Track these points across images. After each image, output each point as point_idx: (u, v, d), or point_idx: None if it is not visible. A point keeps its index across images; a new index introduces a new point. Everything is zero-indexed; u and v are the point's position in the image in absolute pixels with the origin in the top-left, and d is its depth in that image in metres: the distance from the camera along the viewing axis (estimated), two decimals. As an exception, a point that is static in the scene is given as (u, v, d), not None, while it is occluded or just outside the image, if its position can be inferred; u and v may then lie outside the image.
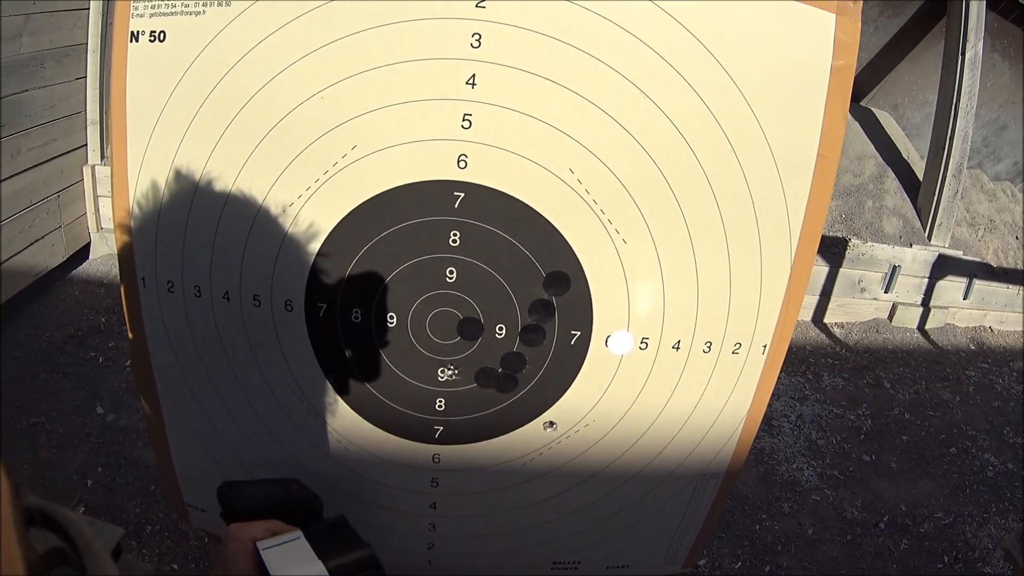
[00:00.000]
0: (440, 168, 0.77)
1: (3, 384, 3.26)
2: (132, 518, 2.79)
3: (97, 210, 4.02)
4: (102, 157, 3.95)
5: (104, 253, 4.19)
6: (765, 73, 0.76)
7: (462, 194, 0.77)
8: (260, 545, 0.74)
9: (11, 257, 3.51)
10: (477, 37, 0.72)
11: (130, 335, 0.93)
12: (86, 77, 3.79)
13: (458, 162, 0.76)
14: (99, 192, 3.97)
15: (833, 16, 0.75)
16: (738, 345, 0.89)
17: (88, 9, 3.69)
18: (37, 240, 3.69)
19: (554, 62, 0.73)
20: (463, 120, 0.75)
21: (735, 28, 0.74)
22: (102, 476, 2.93)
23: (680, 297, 0.84)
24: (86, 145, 3.93)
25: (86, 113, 3.86)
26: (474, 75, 0.73)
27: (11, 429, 3.06)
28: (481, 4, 0.72)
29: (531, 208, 0.78)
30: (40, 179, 3.66)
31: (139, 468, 2.97)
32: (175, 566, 2.66)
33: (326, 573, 0.72)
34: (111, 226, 4.14)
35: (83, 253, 4.15)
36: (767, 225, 0.82)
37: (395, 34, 0.73)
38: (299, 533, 0.76)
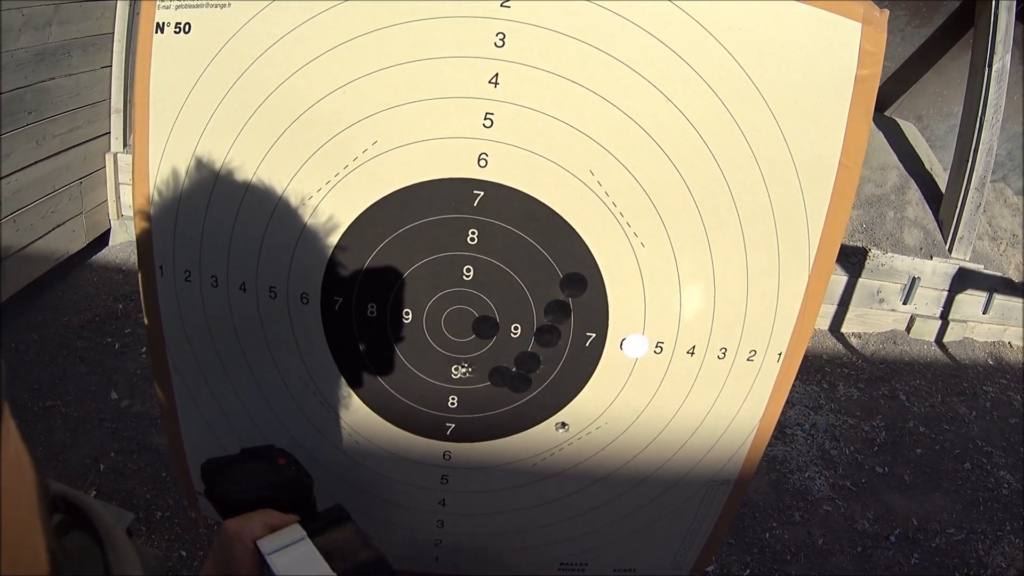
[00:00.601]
0: (460, 166, 0.77)
1: (23, 366, 3.30)
2: (143, 504, 2.81)
3: (118, 197, 4.06)
4: (124, 145, 3.99)
5: (123, 240, 4.22)
6: (789, 80, 0.75)
7: (481, 193, 0.77)
8: (263, 547, 0.73)
9: (33, 242, 3.55)
10: (501, 36, 0.72)
11: (146, 322, 0.94)
12: (111, 66, 3.82)
13: (478, 160, 0.76)
14: (120, 180, 4.01)
15: (859, 25, 0.75)
16: (753, 352, 0.89)
17: (115, 0, 3.73)
18: (59, 225, 3.73)
19: (578, 64, 0.73)
20: (485, 119, 0.75)
21: (760, 34, 0.74)
22: (114, 461, 2.95)
23: (697, 302, 0.84)
24: (109, 133, 3.97)
25: (110, 101, 3.90)
26: (497, 74, 0.73)
27: (27, 411, 3.09)
28: (506, 4, 0.72)
29: (550, 209, 0.78)
30: (64, 165, 3.70)
31: (151, 454, 3.00)
32: (184, 552, 2.68)
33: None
34: (131, 213, 4.18)
35: (103, 239, 4.19)
36: (786, 233, 0.82)
37: (420, 31, 0.73)
38: (301, 532, 0.75)
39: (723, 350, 0.87)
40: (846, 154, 0.79)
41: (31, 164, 3.47)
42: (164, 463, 2.90)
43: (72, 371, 3.34)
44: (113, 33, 3.79)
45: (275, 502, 0.79)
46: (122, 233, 4.19)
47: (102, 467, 2.92)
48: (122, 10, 3.76)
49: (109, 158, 3.99)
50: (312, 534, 0.76)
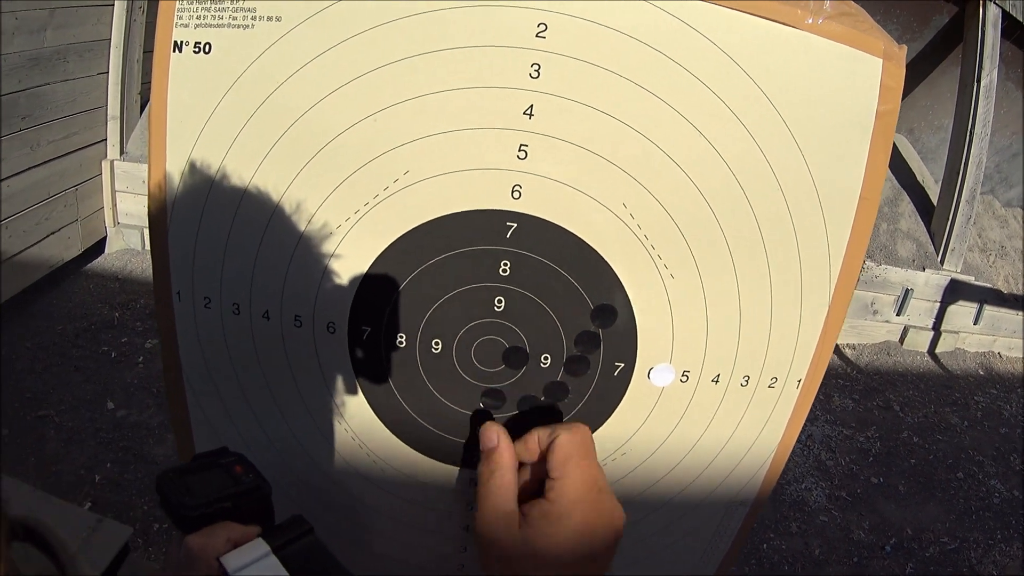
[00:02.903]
0: (494, 198, 0.76)
1: (14, 374, 3.27)
2: (139, 516, 2.80)
3: (114, 205, 4.04)
4: (121, 152, 3.97)
5: (119, 248, 4.20)
6: (813, 114, 0.76)
7: (515, 224, 0.77)
8: (228, 565, 0.70)
9: (26, 249, 3.53)
10: (536, 67, 0.72)
11: (162, 349, 0.93)
12: (108, 72, 3.81)
13: (512, 192, 0.76)
14: (117, 187, 3.99)
15: (880, 61, 0.75)
16: (774, 379, 0.89)
17: (112, 5, 3.71)
18: (53, 232, 3.72)
19: (612, 95, 0.73)
20: (519, 150, 0.75)
21: (787, 68, 0.74)
22: (110, 472, 2.94)
23: (722, 332, 0.84)
24: (106, 140, 3.95)
25: (107, 108, 3.88)
26: (532, 105, 0.73)
27: (20, 420, 3.07)
28: (541, 35, 0.72)
29: (582, 241, 0.78)
30: (58, 172, 3.69)
31: (148, 465, 2.98)
32: (180, 565, 2.65)
33: None
34: (128, 221, 4.18)
35: (99, 247, 4.18)
36: (809, 264, 0.82)
37: (454, 60, 0.73)
38: (265, 547, 0.73)
39: (746, 378, 0.88)
40: (866, 188, 0.79)
41: (25, 170, 3.46)
42: (161, 474, 2.88)
43: (67, 380, 3.32)
44: (110, 39, 3.77)
45: (235, 513, 0.77)
46: (118, 241, 4.17)
47: (97, 478, 2.90)
48: (119, 16, 3.74)
49: (105, 165, 3.97)
50: (276, 549, 0.74)
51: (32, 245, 3.56)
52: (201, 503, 0.77)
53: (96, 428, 3.10)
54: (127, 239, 4.13)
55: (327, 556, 0.75)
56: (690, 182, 0.77)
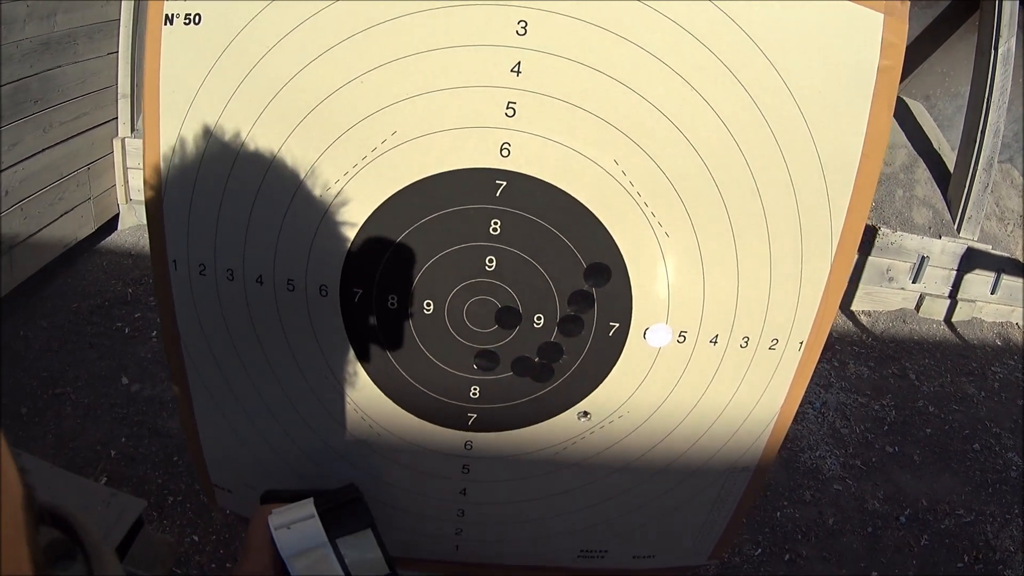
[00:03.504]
0: (482, 156, 0.76)
1: (31, 354, 3.31)
2: (154, 489, 2.82)
3: (126, 182, 4.06)
4: (132, 130, 3.99)
5: (132, 224, 4.23)
6: (813, 70, 0.74)
7: (504, 183, 0.76)
8: (272, 522, 0.74)
9: (41, 230, 3.56)
10: (523, 24, 0.71)
11: (160, 317, 0.94)
12: (118, 52, 3.82)
13: (501, 150, 0.75)
14: (129, 164, 4.01)
15: (881, 16, 0.74)
16: (775, 341, 0.88)
17: (119, -14, 3.72)
18: (67, 212, 3.74)
19: (602, 52, 0.72)
20: (507, 108, 0.74)
21: (785, 25, 0.73)
22: (125, 446, 2.96)
23: (720, 292, 0.83)
24: (116, 118, 3.96)
25: (117, 87, 3.89)
26: (519, 63, 0.72)
27: (37, 399, 3.10)
28: (528, -10, 0.70)
29: (574, 198, 0.77)
30: (71, 152, 3.71)
31: (163, 439, 3.01)
32: (196, 537, 2.69)
33: (334, 557, 0.73)
34: (140, 198, 4.19)
35: (112, 224, 4.20)
36: (809, 222, 0.81)
37: (439, 19, 0.72)
38: (311, 510, 0.76)
39: (745, 339, 0.87)
40: (868, 145, 0.78)
41: (38, 152, 3.49)
42: (176, 447, 2.91)
43: (82, 357, 3.35)
44: (119, 19, 3.78)
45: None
46: (131, 217, 4.19)
47: (113, 453, 2.93)
48: (128, -4, 3.75)
49: (117, 143, 3.99)
50: (321, 510, 0.76)
51: (46, 225, 3.58)
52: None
53: (111, 404, 3.13)
54: (140, 215, 4.15)
55: (362, 513, 0.78)
56: (684, 139, 0.75)
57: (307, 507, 0.76)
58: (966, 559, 3.07)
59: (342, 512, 0.77)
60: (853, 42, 0.74)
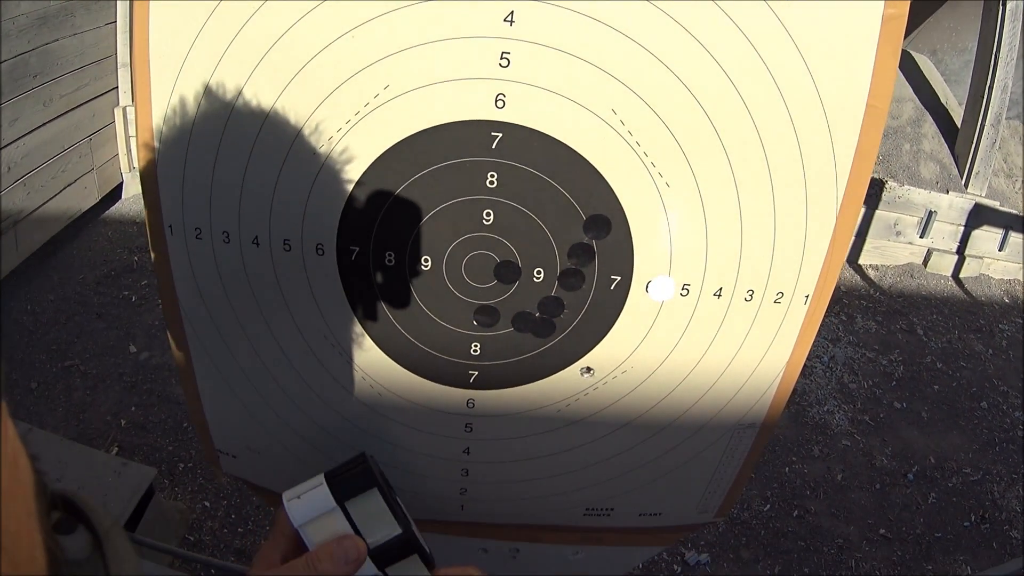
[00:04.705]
0: (477, 108, 0.74)
1: (40, 328, 3.32)
2: (165, 456, 2.85)
3: (129, 150, 4.06)
4: (133, 99, 3.96)
5: (136, 192, 4.23)
6: (816, 18, 0.72)
7: (500, 134, 0.75)
8: (285, 496, 0.75)
9: (45, 203, 3.56)
10: (515, -29, 0.69)
11: (158, 282, 0.93)
12: (116, 22, 3.79)
13: (495, 101, 0.73)
14: (130, 133, 4.01)
15: None
16: (780, 294, 0.87)
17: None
18: (70, 184, 3.74)
19: (595, 1, 0.70)
20: (501, 58, 0.72)
21: None
22: (135, 415, 2.99)
23: (723, 244, 0.82)
24: (117, 88, 3.95)
25: (116, 57, 3.87)
26: (512, 12, 0.70)
27: (46, 372, 3.12)
28: (519, -65, 0.68)
29: (571, 149, 0.75)
30: (72, 124, 3.70)
31: (172, 406, 3.03)
32: (207, 503, 2.72)
33: (343, 517, 0.73)
34: (141, 168, 4.20)
35: (116, 194, 4.20)
36: (814, 173, 0.79)
37: (430, -32, 0.70)
38: (321, 479, 0.77)
39: (750, 292, 0.85)
40: (874, 95, 0.76)
41: (39, 126, 3.49)
42: (185, 414, 2.92)
43: (90, 328, 3.37)
44: (116, -11, 3.75)
45: None
46: (135, 186, 4.20)
47: (123, 422, 2.95)
48: (125, -34, 3.71)
49: (119, 112, 3.98)
50: (331, 482, 0.77)
51: (50, 199, 3.58)
52: None
53: (120, 373, 3.15)
54: (142, 186, 4.16)
55: (368, 478, 0.76)
56: (684, 87, 0.73)
57: (317, 479, 0.76)
58: (972, 518, 3.09)
59: (351, 477, 0.76)
60: None
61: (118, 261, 3.76)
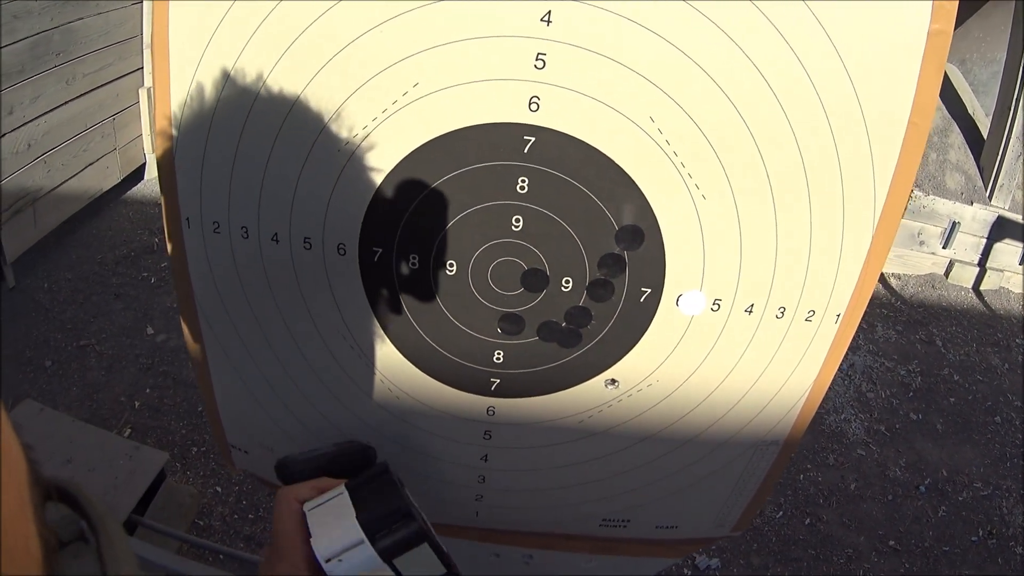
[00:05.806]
0: (510, 110, 0.71)
1: (57, 306, 3.32)
2: (178, 440, 2.85)
3: (152, 131, 4.07)
4: (152, 82, 3.97)
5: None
6: (861, 31, 0.69)
7: (532, 138, 0.72)
8: (306, 507, 0.73)
9: (65, 181, 3.56)
10: (554, -29, 0.67)
11: (174, 274, 0.91)
12: (141, 2, 3.79)
13: (529, 104, 0.71)
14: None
15: None
16: (811, 313, 0.84)
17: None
18: (91, 163, 3.75)
19: (637, 2, 0.67)
20: (536, 60, 0.69)
21: None
22: (150, 397, 2.99)
23: (757, 259, 0.79)
24: (142, 68, 3.95)
25: (142, 36, 3.87)
26: (549, 12, 0.68)
27: (62, 351, 3.12)
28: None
29: (606, 156, 0.73)
30: (95, 103, 3.70)
31: (187, 389, 3.03)
32: (219, 488, 2.72)
33: (358, 528, 0.70)
34: (162, 151, 4.21)
35: (138, 175, 4.21)
36: (852, 191, 0.77)
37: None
38: (343, 488, 0.75)
39: (782, 309, 0.83)
40: (916, 112, 0.73)
41: (61, 105, 3.49)
42: (200, 398, 2.92)
43: (107, 308, 3.37)
44: (143, -31, 3.74)
45: (338, 470, 0.81)
46: (157, 167, 4.21)
47: (137, 404, 2.95)
48: (150, -56, 3.70)
49: (143, 92, 3.99)
50: (349, 488, 0.75)
51: (71, 178, 3.59)
52: (300, 465, 0.84)
53: (136, 354, 3.15)
54: (165, 167, 4.17)
55: (390, 489, 0.75)
56: (724, 97, 0.71)
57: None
58: (980, 533, 3.06)
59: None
60: (904, 3, 0.69)
61: (138, 242, 3.76)
